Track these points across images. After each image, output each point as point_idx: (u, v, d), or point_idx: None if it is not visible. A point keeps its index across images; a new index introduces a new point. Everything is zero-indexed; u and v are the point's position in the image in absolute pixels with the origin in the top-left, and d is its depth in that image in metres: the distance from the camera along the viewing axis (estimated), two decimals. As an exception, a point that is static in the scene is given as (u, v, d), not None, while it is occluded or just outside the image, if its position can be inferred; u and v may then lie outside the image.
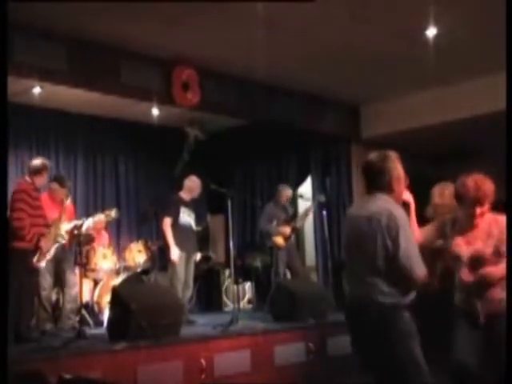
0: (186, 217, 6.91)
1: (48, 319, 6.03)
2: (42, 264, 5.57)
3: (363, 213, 3.07)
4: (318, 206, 8.12)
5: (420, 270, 2.96)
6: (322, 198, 7.79)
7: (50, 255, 5.63)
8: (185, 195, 6.99)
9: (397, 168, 3.11)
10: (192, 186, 7.02)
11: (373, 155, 3.15)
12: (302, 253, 9.46)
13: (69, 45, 6.04)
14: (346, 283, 3.24)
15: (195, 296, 8.11)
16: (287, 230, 7.58)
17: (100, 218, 6.49)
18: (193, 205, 7.12)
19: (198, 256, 7.23)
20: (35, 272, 5.58)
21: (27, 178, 5.68)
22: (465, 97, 7.62)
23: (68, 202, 6.11)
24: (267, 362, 5.69)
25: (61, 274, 6.08)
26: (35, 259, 5.45)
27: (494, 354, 3.49)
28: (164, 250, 6.96)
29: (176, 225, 6.79)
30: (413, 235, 3.09)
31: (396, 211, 2.99)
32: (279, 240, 7.53)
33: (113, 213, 6.53)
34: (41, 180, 5.71)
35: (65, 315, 6.09)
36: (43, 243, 5.49)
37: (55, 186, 6.14)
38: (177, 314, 5.56)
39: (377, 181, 3.09)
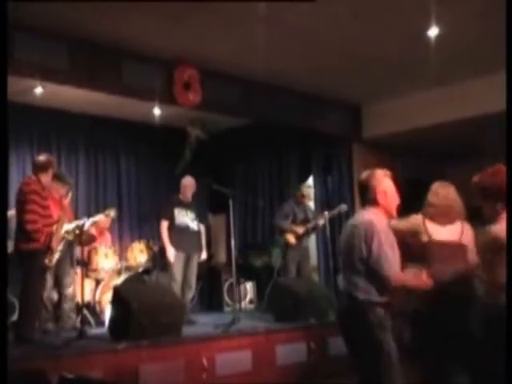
0: (182, 217, 6.94)
1: (49, 319, 6.01)
2: (52, 264, 5.50)
3: (352, 222, 3.55)
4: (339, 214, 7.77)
5: (391, 271, 3.31)
6: (345, 208, 7.60)
7: (58, 254, 5.54)
8: (181, 196, 7.06)
9: (382, 184, 3.50)
10: (184, 184, 7.08)
11: (362, 174, 3.61)
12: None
13: (70, 44, 6.03)
14: (341, 282, 3.68)
15: (197, 296, 8.11)
16: (300, 229, 7.56)
17: (101, 218, 6.50)
18: (193, 205, 7.13)
19: (204, 256, 7.20)
20: (45, 272, 5.52)
21: (33, 176, 5.49)
22: (467, 97, 7.59)
23: (67, 200, 6.04)
24: (268, 361, 5.70)
25: (59, 274, 6.06)
26: (46, 260, 5.36)
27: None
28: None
29: (172, 226, 6.87)
30: (390, 242, 3.38)
31: (376, 221, 3.39)
32: (290, 238, 7.52)
33: (112, 212, 6.53)
34: (47, 177, 5.55)
35: (65, 315, 6.10)
36: (53, 243, 5.41)
37: (56, 183, 6.07)
38: (178, 313, 5.56)
39: (365, 196, 3.56)
